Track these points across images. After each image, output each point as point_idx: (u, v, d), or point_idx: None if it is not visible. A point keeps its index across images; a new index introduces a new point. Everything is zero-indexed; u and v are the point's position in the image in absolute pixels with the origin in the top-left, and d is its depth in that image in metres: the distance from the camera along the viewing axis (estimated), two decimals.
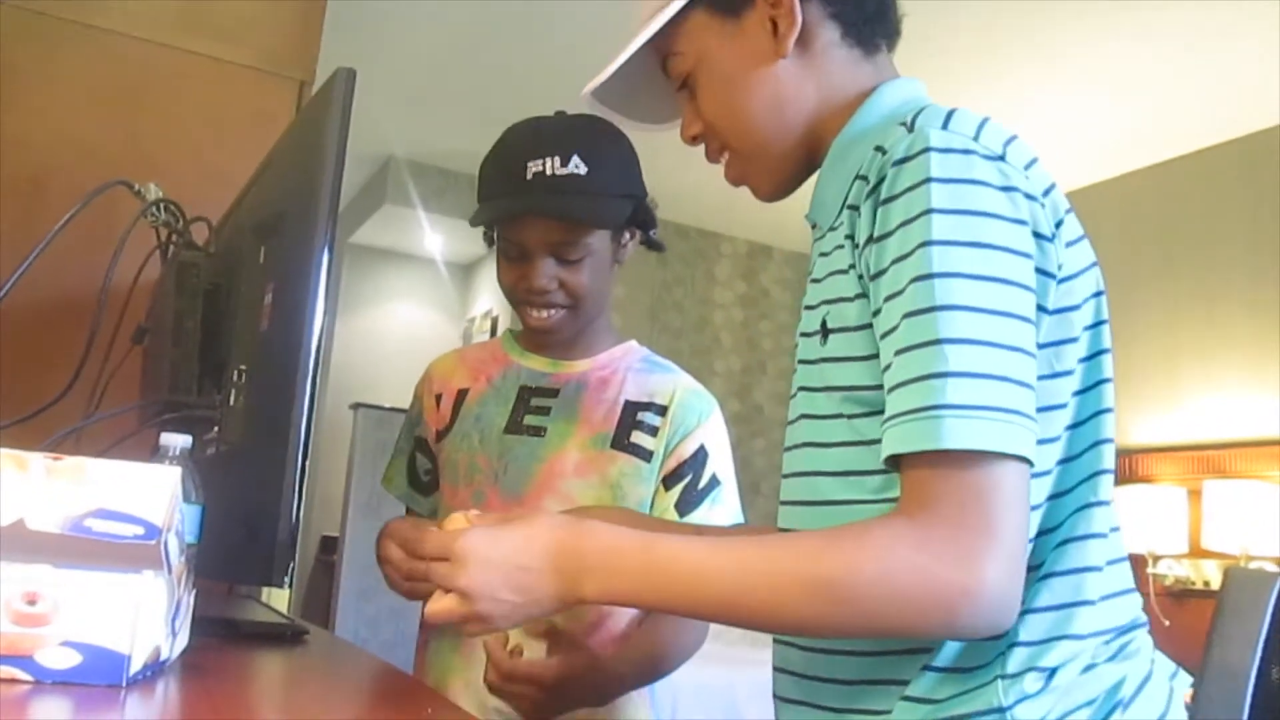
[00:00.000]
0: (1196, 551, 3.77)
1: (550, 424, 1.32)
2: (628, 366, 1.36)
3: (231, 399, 1.04)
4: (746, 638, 4.41)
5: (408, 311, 6.89)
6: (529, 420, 1.33)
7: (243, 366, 1.03)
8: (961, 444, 0.69)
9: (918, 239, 0.73)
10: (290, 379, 0.88)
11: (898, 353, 0.73)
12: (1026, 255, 0.75)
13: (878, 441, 0.77)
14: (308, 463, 0.89)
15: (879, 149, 0.80)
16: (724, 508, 1.31)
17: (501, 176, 1.28)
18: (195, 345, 1.14)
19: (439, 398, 1.40)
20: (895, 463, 0.74)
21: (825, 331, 0.84)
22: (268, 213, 1.05)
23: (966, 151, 0.76)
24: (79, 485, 0.72)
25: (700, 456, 1.31)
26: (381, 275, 6.82)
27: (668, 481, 1.31)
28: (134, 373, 1.39)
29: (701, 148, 1.00)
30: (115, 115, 1.73)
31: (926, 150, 0.75)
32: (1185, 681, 0.84)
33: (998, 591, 0.68)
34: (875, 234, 0.77)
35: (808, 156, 0.96)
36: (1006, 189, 0.76)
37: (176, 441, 0.89)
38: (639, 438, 1.31)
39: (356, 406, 5.15)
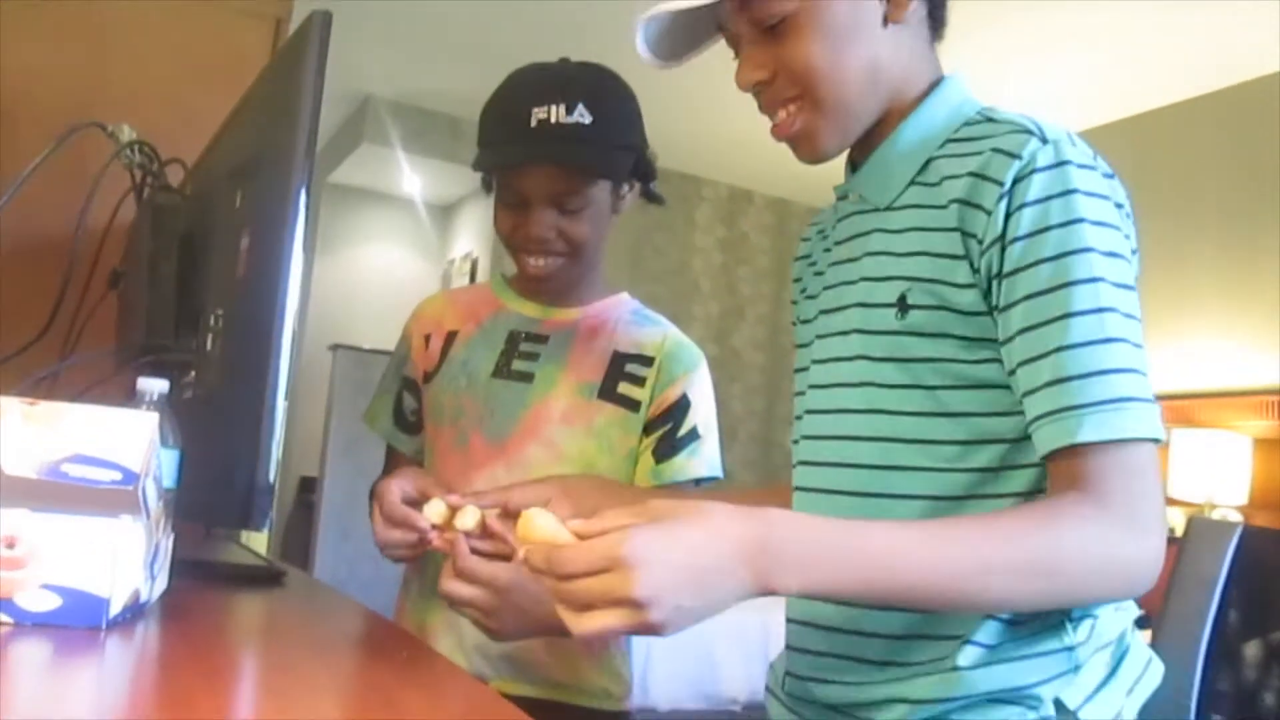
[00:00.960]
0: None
1: (538, 370, 1.31)
2: (618, 317, 1.36)
3: (208, 344, 1.04)
4: None
5: (387, 252, 6.84)
6: (517, 366, 1.32)
7: (219, 311, 1.03)
8: (1145, 433, 0.77)
9: (1073, 245, 0.79)
10: (268, 325, 0.88)
11: (1061, 349, 0.78)
12: (1130, 264, 0.83)
13: (963, 415, 0.85)
14: (286, 406, 0.90)
15: (1002, 151, 0.83)
16: (701, 460, 1.31)
17: (504, 122, 1.25)
18: (171, 289, 1.13)
19: (428, 338, 1.39)
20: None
21: (905, 306, 0.87)
22: (244, 156, 1.05)
23: (1094, 168, 0.82)
24: (55, 430, 0.73)
25: (682, 405, 1.32)
26: (360, 215, 6.75)
27: (648, 428, 1.31)
28: (110, 316, 1.39)
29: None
30: (86, 54, 1.70)
31: (1067, 163, 0.81)
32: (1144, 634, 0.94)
33: (1160, 557, 0.77)
34: (1010, 235, 0.81)
35: (873, 127, 0.96)
36: (1119, 205, 0.84)
37: (154, 386, 0.89)
38: (626, 388, 1.31)
39: (335, 347, 5.14)
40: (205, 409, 1.01)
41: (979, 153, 0.85)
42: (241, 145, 1.08)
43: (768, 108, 0.95)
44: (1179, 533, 3.83)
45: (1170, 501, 3.76)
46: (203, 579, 1.09)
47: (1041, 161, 0.81)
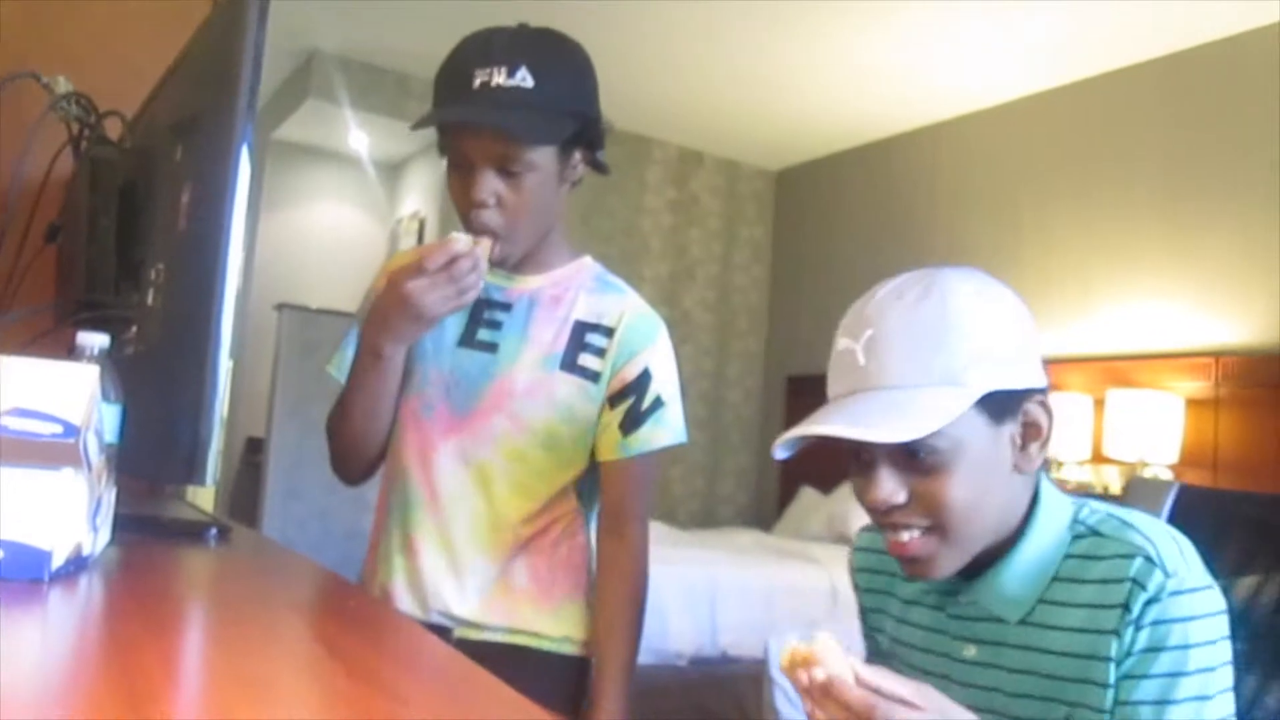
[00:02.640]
0: (1098, 458, 3.95)
1: (502, 340, 1.34)
2: (580, 285, 1.38)
3: (150, 299, 1.03)
4: (669, 538, 4.53)
5: (333, 211, 6.74)
6: (481, 335, 1.35)
7: (161, 266, 1.02)
8: None
9: (1180, 668, 0.88)
10: (210, 280, 0.88)
11: None
12: (1230, 665, 0.92)
13: None
14: (230, 363, 0.90)
15: (1136, 583, 0.90)
16: (666, 428, 1.35)
17: (449, 84, 1.26)
18: (111, 244, 1.12)
19: None
20: None
21: None
22: (184, 109, 1.04)
23: (1208, 587, 0.91)
24: None
25: (644, 379, 1.35)
26: (306, 173, 6.64)
27: (613, 401, 1.34)
28: (48, 271, 1.37)
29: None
30: (22, 4, 1.65)
31: (1182, 593, 0.89)
32: None
33: None
34: (1131, 649, 0.90)
35: None
36: (1223, 612, 0.91)
37: (94, 341, 0.89)
38: (586, 359, 1.33)
39: (281, 307, 5.08)
40: (147, 365, 1.01)
41: (1119, 579, 0.91)
42: (182, 98, 1.07)
43: (892, 524, 0.96)
44: (1113, 489, 3.92)
45: (1104, 459, 3.87)
46: (147, 534, 1.09)
47: (1167, 591, 0.89)
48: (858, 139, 5.73)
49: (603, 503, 1.38)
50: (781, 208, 6.43)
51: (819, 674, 0.81)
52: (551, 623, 1.34)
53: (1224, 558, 1.17)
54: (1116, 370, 4.10)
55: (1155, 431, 3.74)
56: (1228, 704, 0.90)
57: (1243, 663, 0.97)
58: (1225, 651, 0.91)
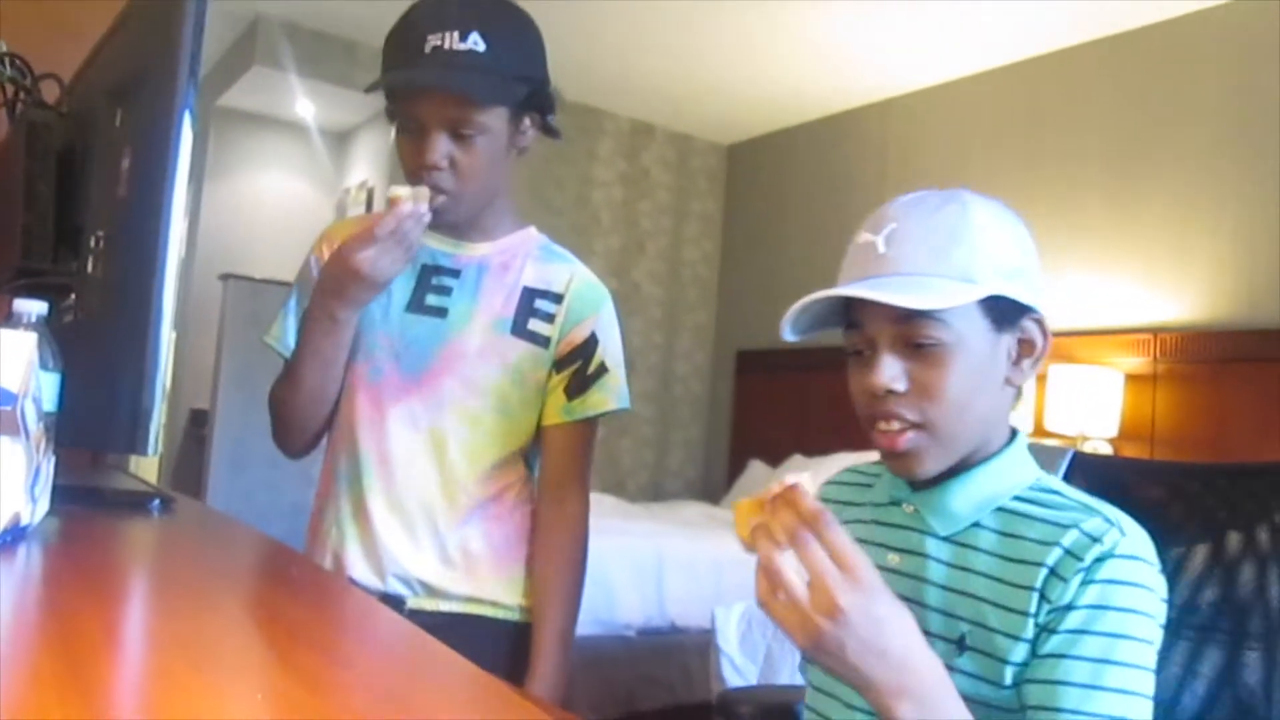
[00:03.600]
0: (1040, 432, 4.02)
1: (451, 306, 1.35)
2: (527, 253, 1.39)
3: (90, 267, 1.02)
4: (618, 511, 4.55)
5: (279, 180, 6.63)
6: (430, 300, 1.35)
7: (100, 234, 1.00)
8: None
9: (1124, 630, 0.89)
10: (151, 248, 0.87)
11: (1078, 716, 0.88)
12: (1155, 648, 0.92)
13: None
14: (173, 333, 0.89)
15: (1088, 535, 0.92)
16: (611, 394, 1.38)
17: (400, 49, 1.27)
18: (49, 210, 1.10)
19: None
20: None
21: (963, 646, 0.96)
22: (123, 73, 1.02)
23: (1150, 563, 0.93)
24: None
25: (591, 344, 1.37)
26: (251, 141, 6.52)
27: (559, 365, 1.36)
28: None
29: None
30: None
31: (1137, 558, 0.91)
32: None
33: None
34: (1075, 602, 0.91)
35: None
36: (1165, 602, 0.93)
37: (31, 308, 0.88)
38: (536, 325, 1.35)
39: (226, 277, 5.00)
40: (88, 333, 1.00)
41: (1066, 526, 0.94)
42: (121, 61, 1.05)
43: (883, 415, 0.99)
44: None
45: (1044, 434, 3.94)
46: (88, 505, 1.08)
47: (1119, 551, 0.91)
48: (809, 114, 5.75)
49: (543, 468, 1.39)
50: (732, 182, 6.44)
51: (789, 478, 0.84)
52: (508, 590, 1.36)
53: None
54: (1059, 346, 4.14)
55: (1095, 406, 3.82)
56: (1151, 690, 0.90)
57: None
58: (1159, 638, 0.92)
